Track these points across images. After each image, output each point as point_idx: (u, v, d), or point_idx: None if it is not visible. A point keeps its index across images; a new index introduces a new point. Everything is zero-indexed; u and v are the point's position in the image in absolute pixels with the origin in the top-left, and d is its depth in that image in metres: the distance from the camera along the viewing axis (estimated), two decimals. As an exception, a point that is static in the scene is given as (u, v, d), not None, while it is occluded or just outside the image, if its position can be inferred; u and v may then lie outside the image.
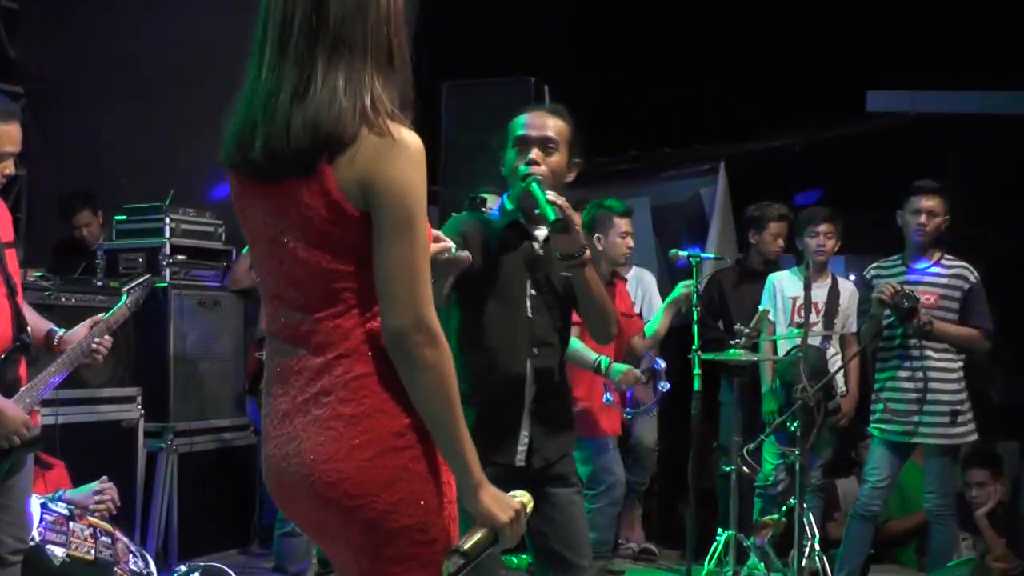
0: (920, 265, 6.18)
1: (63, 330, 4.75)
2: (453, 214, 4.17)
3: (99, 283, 6.77)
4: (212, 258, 7.49)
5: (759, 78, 9.65)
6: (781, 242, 7.35)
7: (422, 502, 2.46)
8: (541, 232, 3.99)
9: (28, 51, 9.31)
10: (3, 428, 4.23)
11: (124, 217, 7.33)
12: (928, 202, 6.13)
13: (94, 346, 4.71)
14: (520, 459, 3.94)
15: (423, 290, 2.40)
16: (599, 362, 6.00)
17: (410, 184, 2.39)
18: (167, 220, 7.18)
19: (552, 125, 3.97)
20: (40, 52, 9.29)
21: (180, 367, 7.10)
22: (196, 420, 7.14)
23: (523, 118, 4.01)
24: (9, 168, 4.48)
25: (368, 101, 2.41)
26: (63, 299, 6.32)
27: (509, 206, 4.06)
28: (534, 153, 3.91)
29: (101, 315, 4.82)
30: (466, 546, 2.44)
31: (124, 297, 5.14)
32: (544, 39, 9.62)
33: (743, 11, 9.56)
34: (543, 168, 3.89)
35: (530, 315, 3.95)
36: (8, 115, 4.44)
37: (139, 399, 6.72)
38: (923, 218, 6.12)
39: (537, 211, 3.80)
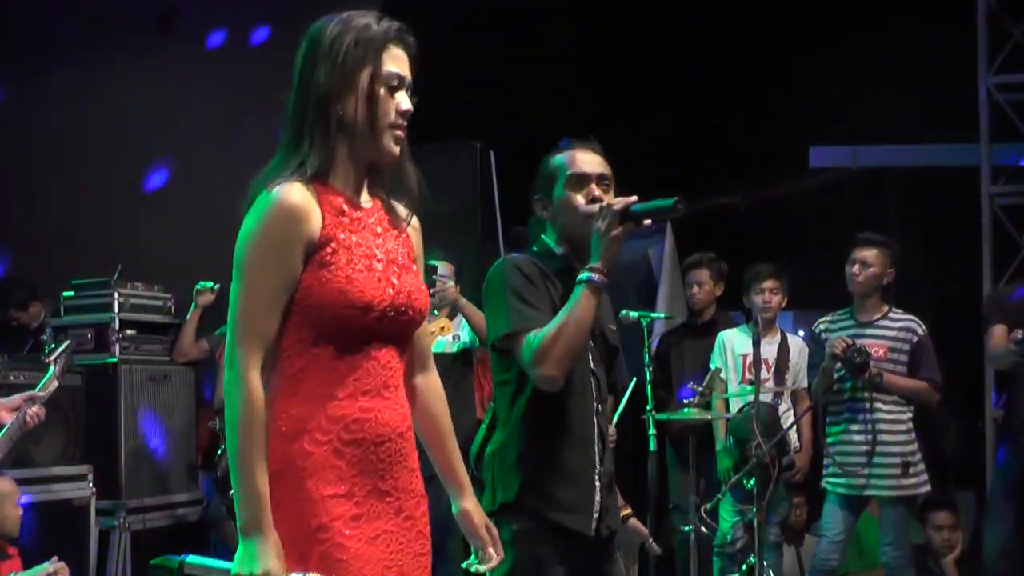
0: (867, 318, 6.23)
1: None
2: (512, 255, 3.92)
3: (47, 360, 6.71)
4: (162, 332, 7.44)
5: (702, 138, 9.75)
6: (695, 290, 7.46)
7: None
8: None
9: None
10: None
11: (72, 293, 7.28)
12: (862, 253, 6.20)
13: (27, 419, 4.76)
14: (594, 527, 3.59)
15: (240, 330, 2.60)
16: None
17: (246, 234, 2.63)
18: (116, 295, 7.13)
19: (603, 162, 3.74)
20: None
21: (131, 442, 7.03)
22: (149, 496, 7.06)
23: (567, 156, 3.73)
24: None
25: (287, 171, 2.67)
26: (11, 377, 6.26)
27: (558, 249, 3.73)
28: (597, 191, 3.65)
29: (32, 391, 4.88)
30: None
31: (51, 368, 5.15)
32: (488, 104, 9.67)
33: (685, 72, 9.66)
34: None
35: (593, 368, 3.65)
36: None
37: (90, 476, 6.65)
38: (856, 268, 6.20)
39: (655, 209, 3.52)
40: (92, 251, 8.18)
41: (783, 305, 6.99)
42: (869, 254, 6.19)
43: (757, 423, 5.85)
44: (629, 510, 4.05)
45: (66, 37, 9.15)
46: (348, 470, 2.65)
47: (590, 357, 3.64)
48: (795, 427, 6.64)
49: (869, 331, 6.17)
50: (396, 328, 2.75)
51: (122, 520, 6.85)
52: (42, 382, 5.28)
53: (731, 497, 6.55)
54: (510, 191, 8.51)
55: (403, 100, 2.74)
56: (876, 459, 5.98)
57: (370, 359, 2.70)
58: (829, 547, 6.16)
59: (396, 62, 2.74)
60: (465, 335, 6.93)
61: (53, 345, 5.68)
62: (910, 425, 6.11)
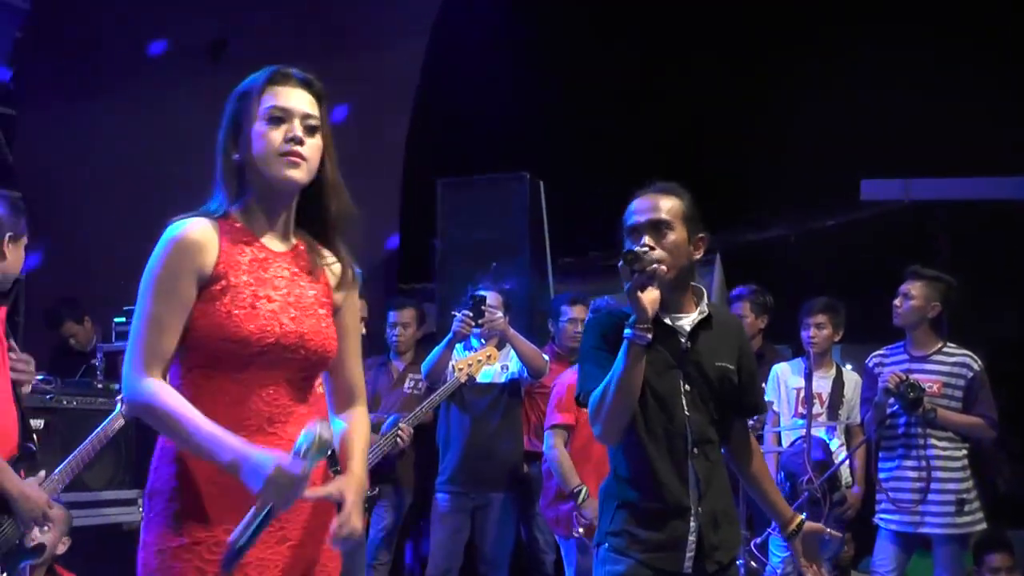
0: (921, 352, 6.18)
1: None
2: (591, 313, 3.94)
3: (99, 385, 6.74)
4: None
5: (752, 169, 9.71)
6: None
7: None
8: (684, 320, 3.73)
9: (27, 156, 9.36)
10: (27, 508, 4.26)
11: (123, 319, 7.32)
12: (905, 286, 6.17)
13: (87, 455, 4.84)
14: (688, 566, 3.64)
15: (132, 350, 2.82)
16: (579, 491, 6.12)
17: (147, 265, 2.84)
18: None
19: (662, 205, 3.68)
20: (37, 156, 9.34)
21: (180, 468, 7.03)
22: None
23: (632, 205, 3.75)
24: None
25: (203, 208, 2.91)
26: (64, 402, 6.29)
27: None
28: (646, 239, 3.62)
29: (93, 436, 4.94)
30: (232, 538, 2.67)
31: (118, 407, 5.16)
32: (539, 135, 9.68)
33: (736, 103, 9.64)
34: (657, 252, 3.58)
35: (687, 412, 3.67)
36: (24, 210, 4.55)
37: (140, 501, 6.65)
38: (898, 300, 6.18)
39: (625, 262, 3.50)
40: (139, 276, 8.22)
41: (836, 340, 6.93)
42: (912, 287, 6.16)
43: (808, 457, 5.80)
44: (798, 519, 3.98)
45: (121, 64, 9.25)
46: (221, 498, 2.78)
47: (683, 402, 3.67)
48: (847, 462, 6.58)
49: (923, 366, 6.11)
50: (286, 366, 2.87)
51: (169, 545, 6.85)
52: (108, 419, 5.28)
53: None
54: (560, 222, 8.52)
55: (290, 128, 2.88)
56: (930, 496, 5.92)
57: (254, 395, 2.83)
58: (882, 585, 6.09)
59: (277, 97, 2.90)
60: (513, 366, 6.91)
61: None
62: (965, 462, 6.04)
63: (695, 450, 3.66)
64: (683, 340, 3.70)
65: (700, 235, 3.75)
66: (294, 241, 2.98)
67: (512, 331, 6.82)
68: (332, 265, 3.03)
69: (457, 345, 6.82)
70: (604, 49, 10.05)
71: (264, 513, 2.65)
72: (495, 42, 9.58)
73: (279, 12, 9.40)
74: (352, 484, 2.94)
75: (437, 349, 6.78)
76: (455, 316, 6.74)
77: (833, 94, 9.45)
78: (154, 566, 2.78)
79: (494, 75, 9.58)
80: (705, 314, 3.75)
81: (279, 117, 2.87)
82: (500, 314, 6.79)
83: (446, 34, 9.86)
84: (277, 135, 2.86)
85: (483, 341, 6.83)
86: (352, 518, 2.88)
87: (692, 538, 3.63)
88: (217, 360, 2.81)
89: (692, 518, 3.64)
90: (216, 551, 2.74)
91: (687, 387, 3.68)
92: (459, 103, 9.96)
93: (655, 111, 9.91)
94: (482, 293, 6.83)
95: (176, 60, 9.30)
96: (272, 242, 2.94)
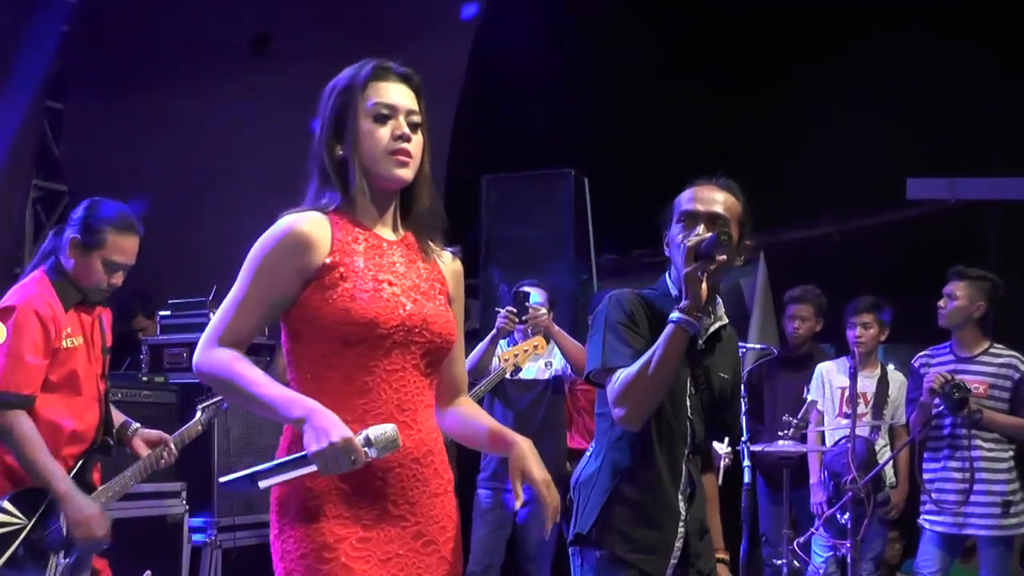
0: (967, 353, 6.13)
1: (138, 424, 4.83)
2: (624, 290, 3.78)
3: (144, 378, 6.78)
4: (256, 352, 7.49)
5: (797, 167, 9.66)
6: (797, 325, 7.29)
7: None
8: (705, 322, 3.56)
9: (73, 150, 9.42)
10: (71, 511, 4.34)
11: (168, 312, 7.36)
12: (948, 286, 6.13)
13: (159, 462, 4.83)
14: (669, 573, 3.54)
15: (214, 325, 2.84)
16: None
17: (254, 248, 2.85)
18: (211, 315, 7.17)
19: (722, 200, 3.54)
20: (85, 151, 9.40)
21: (224, 461, 7.06)
22: (240, 515, 7.10)
23: (690, 191, 3.59)
24: (119, 279, 4.52)
25: (308, 205, 2.90)
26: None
27: (674, 291, 3.58)
28: (700, 229, 3.47)
29: (174, 435, 4.94)
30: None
31: (199, 414, 5.17)
32: (584, 132, 9.67)
33: (780, 101, 9.59)
34: None
35: (690, 415, 3.58)
36: (127, 227, 4.50)
37: (184, 494, 6.69)
38: (941, 301, 6.15)
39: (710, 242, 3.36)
40: (188, 270, 8.26)
41: (882, 339, 6.89)
42: (956, 287, 6.13)
43: (853, 457, 5.77)
44: (724, 557, 3.90)
45: (166, 58, 9.30)
46: (354, 494, 2.76)
47: (688, 404, 3.58)
48: (892, 462, 6.54)
49: (969, 367, 6.07)
50: (411, 351, 2.84)
51: (213, 538, 6.89)
52: (186, 426, 5.29)
53: (824, 531, 6.46)
54: (604, 219, 8.50)
55: (397, 126, 2.88)
56: (975, 497, 5.88)
57: (381, 382, 2.80)
58: (925, 586, 6.05)
59: (381, 93, 2.90)
60: (557, 363, 6.90)
61: (210, 395, 5.65)
62: (1012, 463, 6.01)
63: (690, 455, 3.59)
64: (700, 343, 3.59)
65: (747, 242, 3.63)
66: (403, 232, 2.98)
67: (556, 328, 6.80)
68: (442, 255, 3.03)
69: (500, 341, 6.82)
70: (649, 46, 10.02)
71: (295, 459, 2.64)
72: (540, 38, 9.57)
73: (322, 7, 9.43)
74: (527, 450, 2.98)
75: (480, 346, 6.77)
76: (498, 312, 6.73)
77: (880, 91, 9.38)
78: (299, 572, 2.76)
79: (539, 71, 9.57)
80: (724, 322, 3.67)
81: (385, 115, 2.87)
82: (544, 310, 6.77)
83: (490, 30, 9.87)
84: (384, 133, 2.86)
85: (530, 333, 6.81)
86: (549, 489, 2.98)
87: (679, 543, 3.54)
88: (341, 348, 2.78)
89: (681, 523, 3.55)
90: (359, 546, 2.74)
91: (692, 390, 3.58)
92: (504, 99, 9.96)
93: (700, 109, 9.86)
94: (526, 289, 6.81)
95: (221, 55, 9.35)
96: (384, 231, 2.93)
